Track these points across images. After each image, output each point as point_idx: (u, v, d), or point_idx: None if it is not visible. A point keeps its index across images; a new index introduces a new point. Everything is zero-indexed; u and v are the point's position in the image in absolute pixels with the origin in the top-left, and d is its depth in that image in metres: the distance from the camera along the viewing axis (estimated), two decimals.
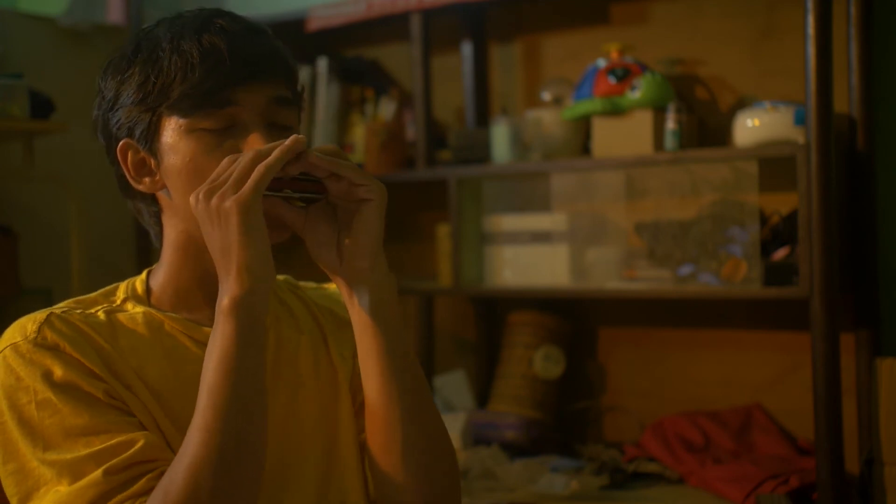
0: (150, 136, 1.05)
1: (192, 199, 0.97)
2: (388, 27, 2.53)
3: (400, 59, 2.58)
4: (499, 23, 2.52)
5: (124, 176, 1.09)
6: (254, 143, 1.02)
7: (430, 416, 1.06)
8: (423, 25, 2.33)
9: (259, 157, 0.96)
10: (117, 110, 1.06)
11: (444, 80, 2.49)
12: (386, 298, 1.03)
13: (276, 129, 1.06)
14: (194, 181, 1.02)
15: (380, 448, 1.05)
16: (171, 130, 1.04)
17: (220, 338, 0.95)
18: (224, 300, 0.95)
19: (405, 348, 1.04)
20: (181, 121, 1.03)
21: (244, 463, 0.93)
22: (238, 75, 1.02)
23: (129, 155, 1.07)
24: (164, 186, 1.07)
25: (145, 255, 2.76)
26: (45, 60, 2.69)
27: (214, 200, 0.95)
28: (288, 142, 0.97)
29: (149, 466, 0.95)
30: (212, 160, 1.02)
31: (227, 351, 0.94)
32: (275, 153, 0.96)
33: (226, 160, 0.98)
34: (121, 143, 1.07)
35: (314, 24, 2.48)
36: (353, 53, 2.64)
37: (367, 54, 2.63)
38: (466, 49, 2.51)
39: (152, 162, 1.07)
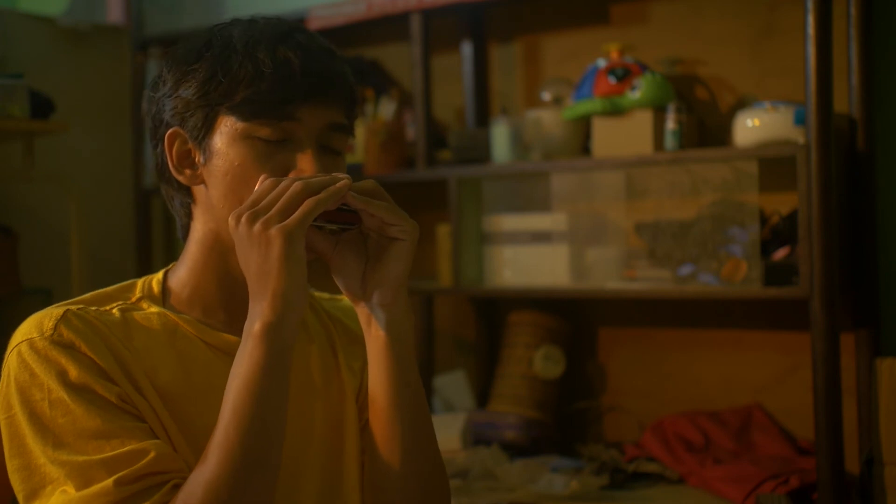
0: (203, 132, 1.06)
1: (231, 220, 0.98)
2: (388, 27, 2.53)
3: (400, 59, 2.58)
4: (499, 23, 2.52)
5: (166, 162, 1.09)
6: (305, 161, 1.03)
7: (426, 436, 1.09)
8: (423, 25, 2.33)
9: (307, 189, 0.97)
10: (174, 98, 1.07)
11: (444, 80, 2.49)
12: (402, 334, 1.05)
13: (327, 152, 1.07)
14: (238, 187, 1.03)
15: (382, 451, 1.06)
16: (226, 131, 1.04)
17: (247, 360, 0.96)
18: (256, 324, 0.96)
19: (412, 379, 1.06)
20: (238, 124, 1.03)
21: (261, 482, 0.95)
22: (304, 93, 1.03)
23: (176, 144, 1.08)
24: (203, 182, 1.08)
25: (145, 255, 2.76)
26: (45, 60, 2.69)
27: (258, 226, 0.95)
28: (339, 184, 0.98)
29: (160, 479, 0.95)
30: (260, 170, 1.03)
31: (254, 375, 0.95)
32: (327, 192, 0.97)
33: (268, 183, 0.98)
34: (171, 130, 1.08)
35: (314, 24, 2.48)
36: (353, 53, 2.64)
37: (367, 54, 2.63)
38: (466, 49, 2.51)
39: (198, 156, 1.07)
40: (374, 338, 1.05)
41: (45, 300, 2.41)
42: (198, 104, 1.05)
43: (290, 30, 1.07)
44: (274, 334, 0.96)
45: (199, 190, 1.09)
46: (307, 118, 1.04)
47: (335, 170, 1.05)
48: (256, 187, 1.00)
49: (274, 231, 0.95)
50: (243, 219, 0.96)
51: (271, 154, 1.04)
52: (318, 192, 0.97)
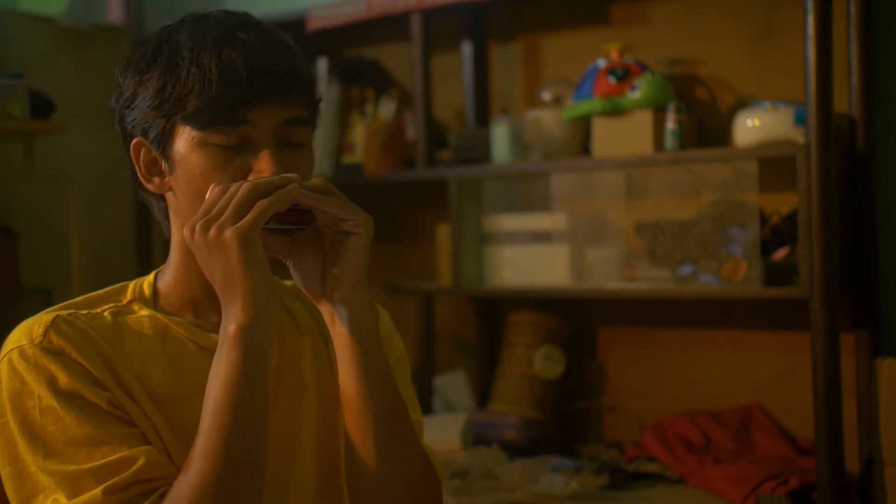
0: (164, 141, 1.06)
1: (185, 231, 0.98)
2: (388, 27, 2.53)
3: (400, 59, 2.58)
4: (499, 23, 2.52)
5: (136, 171, 1.10)
6: (264, 161, 1.03)
7: (402, 429, 1.08)
8: (423, 25, 2.33)
9: (256, 189, 0.97)
10: (133, 109, 1.07)
11: (444, 80, 2.49)
12: (365, 327, 1.05)
13: (287, 147, 1.06)
14: (202, 194, 1.03)
15: (358, 448, 1.06)
16: (184, 140, 1.04)
17: (224, 364, 0.96)
18: (230, 328, 0.96)
19: (380, 370, 1.07)
20: (194, 133, 1.03)
21: (247, 485, 0.96)
22: (254, 94, 1.03)
23: (142, 153, 1.08)
24: (171, 188, 1.08)
25: (145, 255, 2.76)
26: (45, 60, 2.69)
27: (213, 232, 0.96)
28: (289, 188, 0.98)
29: (149, 486, 0.96)
30: (221, 176, 1.03)
31: (232, 377, 0.96)
32: (277, 194, 0.97)
33: (217, 190, 0.99)
34: (134, 140, 1.08)
35: (314, 24, 2.48)
36: (353, 53, 2.64)
37: (367, 54, 2.63)
38: (466, 49, 2.51)
39: (163, 164, 1.07)
40: (339, 335, 1.05)
41: (45, 300, 2.41)
42: (154, 115, 1.05)
43: (234, 28, 1.05)
44: (249, 335, 0.96)
45: (169, 196, 1.10)
46: (261, 119, 1.03)
47: (298, 163, 1.06)
48: (206, 196, 1.00)
49: (229, 234, 0.95)
50: (197, 228, 0.97)
51: (230, 159, 1.04)
52: (268, 191, 0.97)
